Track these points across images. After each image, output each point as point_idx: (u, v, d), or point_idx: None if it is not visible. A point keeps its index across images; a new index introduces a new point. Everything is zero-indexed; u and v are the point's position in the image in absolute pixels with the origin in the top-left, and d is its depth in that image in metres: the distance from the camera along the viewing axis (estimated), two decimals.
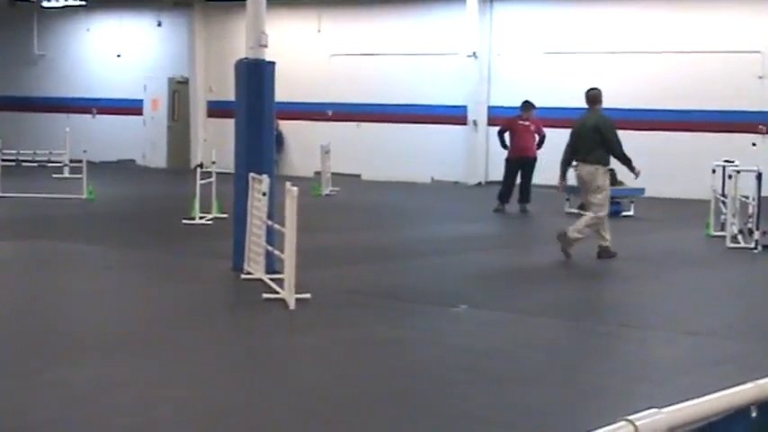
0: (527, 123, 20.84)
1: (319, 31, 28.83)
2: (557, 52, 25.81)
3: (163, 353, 8.58)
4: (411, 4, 27.62)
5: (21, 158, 23.14)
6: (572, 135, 14.61)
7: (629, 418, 3.01)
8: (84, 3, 31.31)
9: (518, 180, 20.62)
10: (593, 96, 14.66)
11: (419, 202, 20.42)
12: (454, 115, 26.62)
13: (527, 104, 21.06)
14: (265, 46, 12.45)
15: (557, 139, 25.53)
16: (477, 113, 26.74)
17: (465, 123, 26.67)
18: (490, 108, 26.76)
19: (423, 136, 26.42)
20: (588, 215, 14.15)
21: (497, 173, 26.55)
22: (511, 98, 26.49)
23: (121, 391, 7.41)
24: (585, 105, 14.73)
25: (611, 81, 24.99)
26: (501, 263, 14.09)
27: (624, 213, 19.86)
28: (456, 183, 26.29)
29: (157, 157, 31.11)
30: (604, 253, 14.09)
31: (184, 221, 16.95)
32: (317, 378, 8.02)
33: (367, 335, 9.52)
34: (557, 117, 25.79)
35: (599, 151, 14.18)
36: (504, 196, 20.39)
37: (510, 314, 10.50)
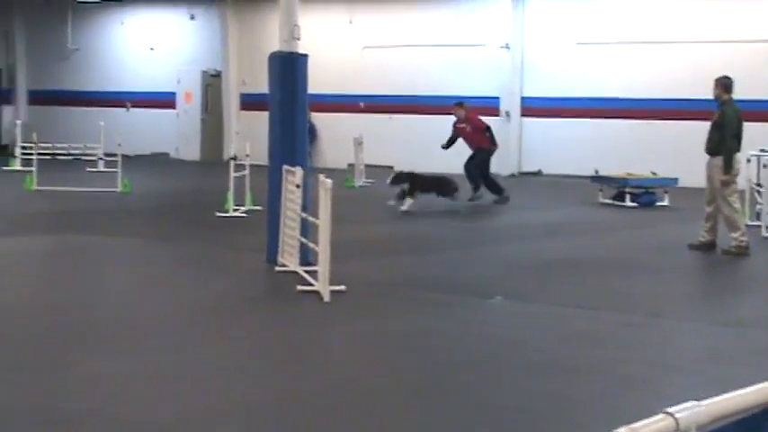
0: (462, 125, 20.80)
1: (351, 22, 28.85)
2: (589, 43, 25.70)
3: (197, 345, 8.62)
4: None
5: (56, 152, 23.34)
6: (736, 125, 13.94)
7: (669, 410, 2.99)
8: None
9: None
10: (731, 85, 14.03)
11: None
12: (486, 106, 26.54)
13: (456, 105, 21.16)
14: (298, 38, 12.47)
15: (587, 129, 25.57)
16: (510, 104, 26.69)
17: (497, 114, 26.61)
18: (523, 99, 26.69)
19: None
20: (725, 211, 13.84)
21: (531, 164, 26.56)
22: (544, 89, 26.45)
23: (156, 383, 7.45)
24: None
25: (644, 71, 24.92)
26: (535, 253, 14.06)
27: (659, 203, 19.78)
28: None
29: (191, 150, 31.22)
30: (703, 247, 13.88)
31: (218, 214, 17.01)
32: (352, 370, 8.04)
33: (402, 326, 9.53)
34: (589, 107, 25.73)
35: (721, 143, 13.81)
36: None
37: (544, 305, 10.48)
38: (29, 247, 14.22)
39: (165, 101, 31.76)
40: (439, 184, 18.71)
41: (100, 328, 9.17)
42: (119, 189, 20.49)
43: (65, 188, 20.25)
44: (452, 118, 20.98)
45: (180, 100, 31.64)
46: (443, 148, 20.85)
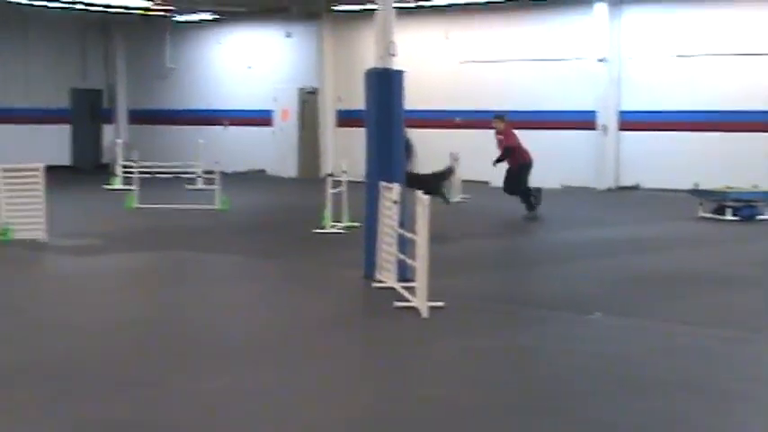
0: (500, 137, 20.80)
1: (447, 38, 28.83)
2: (688, 55, 25.35)
3: (296, 361, 8.65)
4: (538, 9, 27.41)
5: (156, 170, 23.68)
6: None
7: None
8: (216, 17, 31.84)
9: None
10: None
11: (549, 208, 20.23)
12: (583, 120, 26.35)
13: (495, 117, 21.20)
14: (394, 55, 12.49)
15: (686, 142, 25.21)
16: (607, 118, 26.42)
17: (594, 128, 26.38)
18: (621, 113, 26.42)
19: (552, 141, 26.16)
20: None
21: (628, 178, 26.26)
22: (642, 102, 26.15)
23: (256, 400, 7.47)
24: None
25: (744, 83, 24.49)
26: (633, 268, 13.87)
27: (760, 217, 19.41)
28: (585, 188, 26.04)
29: (288, 167, 31.43)
30: None
31: (316, 231, 17.09)
32: (452, 387, 7.99)
33: (500, 343, 9.46)
34: (688, 120, 25.37)
35: None
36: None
37: (644, 320, 10.33)
38: (130, 264, 14.44)
39: (261, 118, 32.04)
40: (421, 182, 16.40)
41: (200, 344, 9.25)
42: (217, 206, 20.71)
43: (164, 206, 20.52)
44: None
45: (277, 117, 31.91)
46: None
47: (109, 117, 35.25)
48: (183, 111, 33.61)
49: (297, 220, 19.09)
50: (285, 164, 31.51)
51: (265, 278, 13.31)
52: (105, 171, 30.49)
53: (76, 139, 34.34)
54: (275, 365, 8.49)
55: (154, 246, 16.12)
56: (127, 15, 31.83)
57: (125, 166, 25.33)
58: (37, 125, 32.88)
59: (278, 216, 20.81)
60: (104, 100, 35.31)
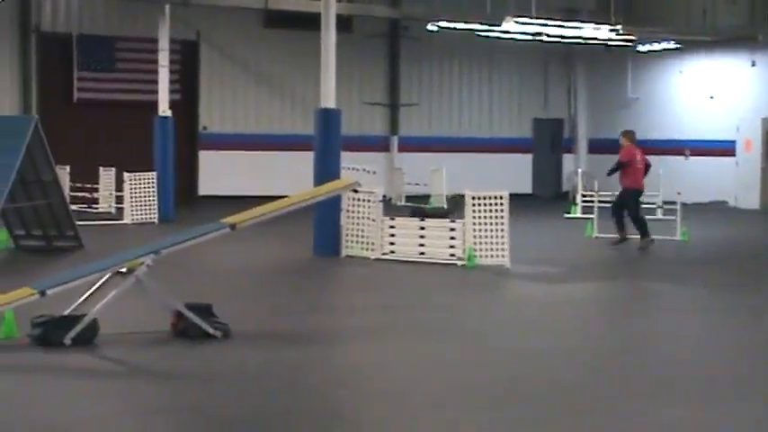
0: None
1: None
2: None
3: (759, 397, 8.41)
4: None
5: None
6: None
7: None
8: (677, 46, 31.56)
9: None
10: None
11: None
12: None
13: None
14: None
15: None
16: None
17: None
18: None
19: None
20: None
21: None
22: None
23: None
24: None
25: None
26: None
27: None
28: None
29: (750, 199, 30.51)
30: None
31: None
32: None
33: None
34: None
35: None
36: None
37: None
38: (588, 293, 14.59)
39: (723, 149, 31.35)
40: None
41: (655, 376, 9.18)
42: (678, 237, 20.48)
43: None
44: None
45: (739, 148, 31.09)
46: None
47: (569, 146, 35.83)
48: (643, 141, 33.42)
49: (760, 254, 18.48)
50: (747, 195, 30.60)
51: (722, 311, 12.97)
52: (565, 200, 30.98)
53: (537, 168, 35.17)
54: (732, 400, 8.29)
55: (612, 275, 16.22)
56: (589, 46, 32.24)
57: (584, 195, 25.65)
58: (501, 154, 34.01)
59: (739, 249, 20.24)
60: (565, 130, 35.93)
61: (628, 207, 19.67)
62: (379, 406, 8.03)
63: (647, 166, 20.02)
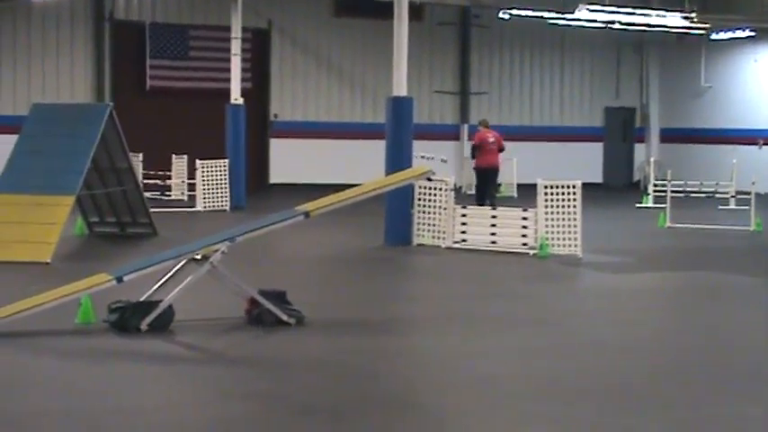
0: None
1: None
2: None
3: None
4: None
5: (688, 189, 23.58)
6: None
7: None
8: (752, 34, 31.12)
9: None
10: None
11: None
12: None
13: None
14: None
15: None
16: None
17: None
18: None
19: None
20: None
21: None
22: None
23: None
24: None
25: None
26: None
27: None
28: None
29: None
30: None
31: None
32: None
33: None
34: None
35: None
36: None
37: None
38: (661, 283, 14.50)
39: None
40: None
41: (736, 369, 9.07)
42: (751, 228, 20.24)
43: (695, 225, 20.36)
44: None
45: None
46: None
47: (641, 136, 35.51)
48: (716, 130, 33.12)
49: None
50: None
51: None
52: (636, 189, 30.72)
53: (608, 157, 34.91)
54: None
55: (685, 265, 16.07)
56: (661, 35, 31.91)
57: (656, 185, 25.44)
58: (571, 143, 33.80)
59: None
60: (637, 119, 35.61)
61: (487, 184, 21.58)
62: (459, 395, 8.01)
63: (501, 148, 21.79)
